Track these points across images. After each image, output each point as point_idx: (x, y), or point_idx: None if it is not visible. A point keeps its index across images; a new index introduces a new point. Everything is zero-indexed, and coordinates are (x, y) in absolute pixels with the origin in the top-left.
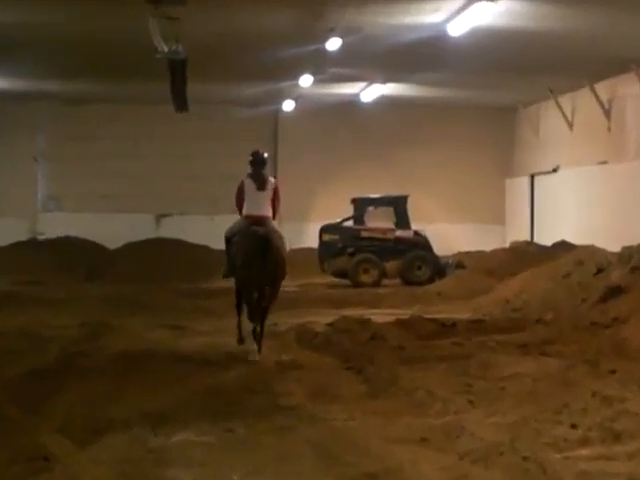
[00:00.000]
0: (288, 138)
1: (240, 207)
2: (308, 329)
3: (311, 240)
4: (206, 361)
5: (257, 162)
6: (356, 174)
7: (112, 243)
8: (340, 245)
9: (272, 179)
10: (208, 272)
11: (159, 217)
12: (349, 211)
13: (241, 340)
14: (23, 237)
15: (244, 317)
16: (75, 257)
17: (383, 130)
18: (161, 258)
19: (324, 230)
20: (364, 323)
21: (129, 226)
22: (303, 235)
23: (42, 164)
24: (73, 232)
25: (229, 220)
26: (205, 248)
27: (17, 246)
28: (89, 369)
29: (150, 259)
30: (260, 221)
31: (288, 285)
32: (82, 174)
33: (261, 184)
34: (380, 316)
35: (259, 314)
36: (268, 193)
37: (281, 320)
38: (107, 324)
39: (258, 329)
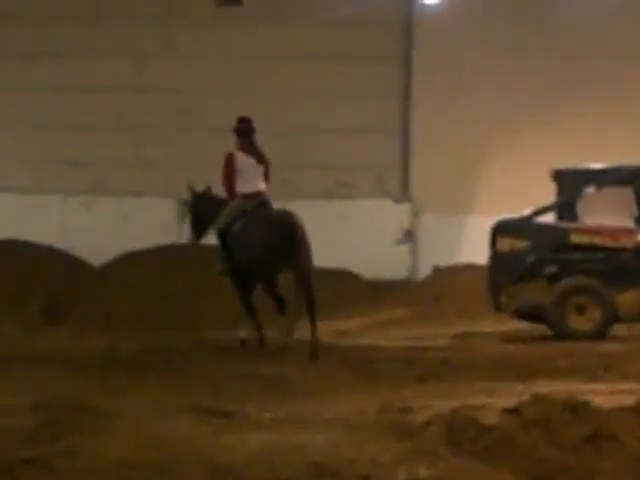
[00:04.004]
0: (429, 56)
1: (231, 186)
2: (468, 420)
3: (472, 249)
4: None
5: (249, 131)
6: (559, 124)
7: (95, 254)
8: (531, 260)
9: None
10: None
11: (185, 204)
12: (548, 195)
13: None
14: None
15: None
16: (27, 280)
17: (613, 38)
18: (186, 283)
19: (500, 231)
20: (576, 409)
21: (127, 221)
22: (455, 239)
23: None
24: (23, 233)
25: (318, 210)
26: None
27: None
28: None
29: (165, 284)
30: (265, 200)
31: (426, 336)
32: (36, 122)
33: (259, 156)
34: (606, 396)
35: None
36: (264, 167)
37: (417, 402)
38: (84, 407)
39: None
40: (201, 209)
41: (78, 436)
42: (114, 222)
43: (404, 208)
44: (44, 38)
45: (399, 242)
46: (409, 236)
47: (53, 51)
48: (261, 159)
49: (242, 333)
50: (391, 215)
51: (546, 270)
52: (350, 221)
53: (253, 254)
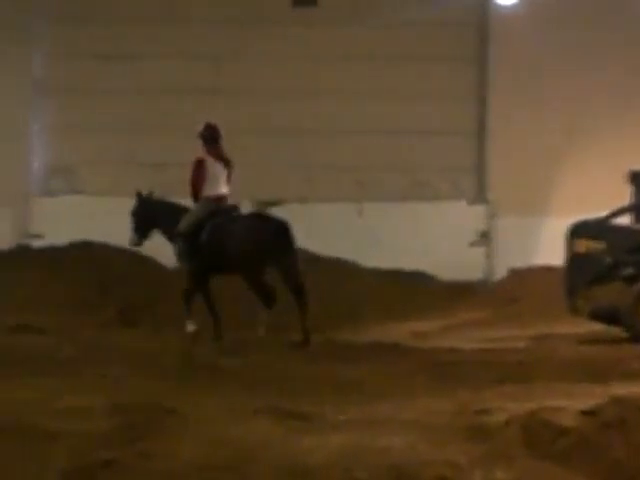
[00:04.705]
0: (506, 57)
1: (199, 190)
2: (544, 422)
3: (548, 251)
4: None
5: (217, 137)
6: (638, 126)
7: (171, 256)
8: (608, 262)
9: None
10: (353, 311)
11: (261, 206)
12: (625, 197)
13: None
14: (4, 244)
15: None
16: (104, 282)
17: None
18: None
19: (576, 233)
20: None
21: None
22: (531, 241)
23: (40, 108)
24: (97, 235)
25: (393, 211)
26: (348, 265)
27: None
28: None
29: (239, 287)
30: (234, 205)
31: (503, 338)
32: (113, 125)
33: (227, 162)
34: None
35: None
36: (229, 171)
37: (493, 404)
38: (160, 409)
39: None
40: (146, 213)
41: (154, 438)
42: None
43: (480, 210)
44: (121, 40)
45: (475, 244)
46: (485, 238)
47: (130, 53)
48: (227, 164)
49: (190, 327)
50: (467, 217)
51: (623, 272)
52: (426, 223)
53: (246, 249)
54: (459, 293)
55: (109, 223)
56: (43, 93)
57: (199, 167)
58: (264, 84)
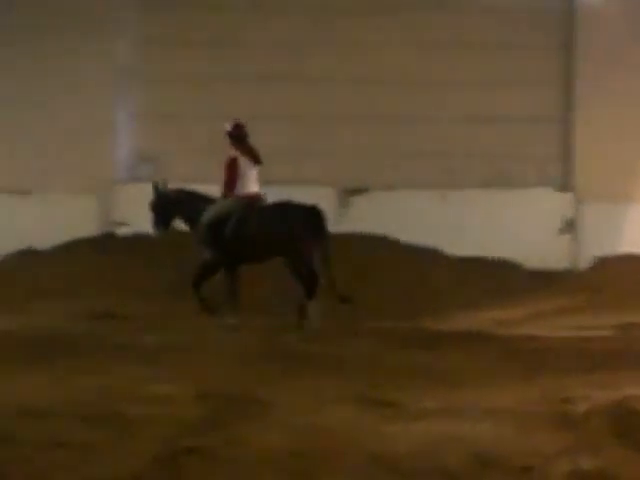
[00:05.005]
0: (591, 44)
1: (232, 190)
2: (631, 411)
3: (635, 239)
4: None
5: (246, 135)
6: None
7: None
8: None
9: None
10: (437, 299)
11: (346, 194)
12: None
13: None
14: (90, 230)
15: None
16: (185, 269)
17: None
18: (347, 271)
19: None
20: None
21: None
22: (618, 229)
23: (127, 95)
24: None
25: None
26: (433, 253)
27: (79, 247)
28: None
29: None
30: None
31: (588, 326)
32: (199, 113)
33: (257, 159)
34: None
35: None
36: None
37: (580, 392)
38: (245, 396)
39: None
40: (166, 203)
41: (240, 425)
42: None
43: (566, 197)
44: (209, 27)
45: (561, 232)
46: (571, 225)
47: (218, 40)
48: (257, 161)
49: (231, 320)
50: (553, 204)
51: None
52: (511, 210)
53: (284, 236)
54: (544, 281)
55: None
56: (130, 80)
57: (233, 165)
58: (350, 72)
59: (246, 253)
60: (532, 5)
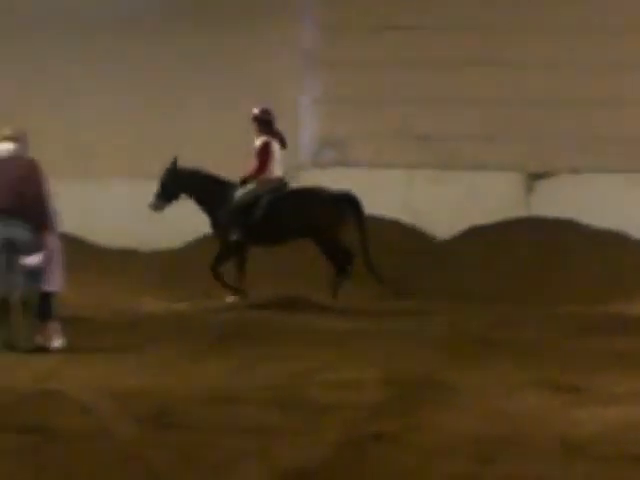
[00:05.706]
0: None
1: (265, 171)
2: None
3: None
4: None
5: (273, 120)
6: None
7: (441, 228)
8: None
9: None
10: (622, 283)
11: (532, 178)
12: None
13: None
14: None
15: None
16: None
17: None
18: (532, 257)
19: None
20: None
21: (473, 195)
22: None
23: (311, 80)
24: (369, 207)
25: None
26: (618, 237)
27: None
28: None
29: (511, 258)
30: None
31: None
32: (383, 98)
33: (283, 143)
34: None
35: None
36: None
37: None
38: (432, 382)
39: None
40: (178, 181)
41: (426, 411)
42: (460, 196)
43: None
44: (393, 11)
45: None
46: None
47: (402, 25)
48: (284, 146)
49: (230, 299)
50: None
51: None
52: None
53: (315, 220)
54: None
55: (377, 195)
56: (314, 65)
57: (267, 148)
58: (541, 56)
59: (274, 235)
60: None
